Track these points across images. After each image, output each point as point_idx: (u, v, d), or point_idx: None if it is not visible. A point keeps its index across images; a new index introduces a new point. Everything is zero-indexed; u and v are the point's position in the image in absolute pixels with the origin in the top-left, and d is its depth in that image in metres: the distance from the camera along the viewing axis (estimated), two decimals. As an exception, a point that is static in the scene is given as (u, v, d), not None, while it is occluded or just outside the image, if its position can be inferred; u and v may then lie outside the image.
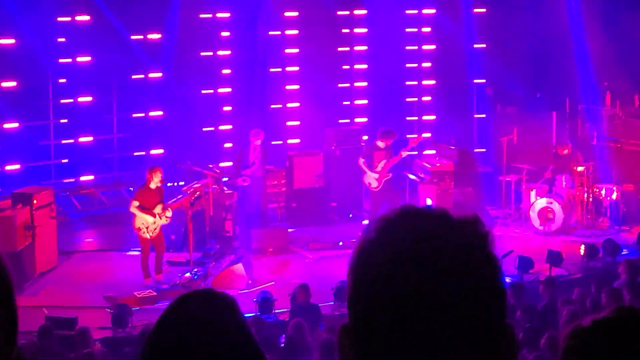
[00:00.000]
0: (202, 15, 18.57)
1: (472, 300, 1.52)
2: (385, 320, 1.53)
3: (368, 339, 1.55)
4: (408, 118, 20.31)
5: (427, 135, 18.37)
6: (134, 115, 18.55)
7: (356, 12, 19.90)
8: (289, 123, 19.46)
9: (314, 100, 19.18)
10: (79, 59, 17.69)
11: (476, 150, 19.32)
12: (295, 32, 19.23)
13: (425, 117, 20.46)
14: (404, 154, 16.20)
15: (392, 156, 16.14)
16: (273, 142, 18.26)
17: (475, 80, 20.43)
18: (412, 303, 1.51)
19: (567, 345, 2.21)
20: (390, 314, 1.52)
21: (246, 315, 8.65)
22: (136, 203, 13.78)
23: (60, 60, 17.64)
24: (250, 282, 14.10)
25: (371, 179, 16.18)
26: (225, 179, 16.71)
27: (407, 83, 20.43)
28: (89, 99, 17.94)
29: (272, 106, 19.29)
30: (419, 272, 1.51)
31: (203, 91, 18.76)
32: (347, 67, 19.86)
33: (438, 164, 17.41)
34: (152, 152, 18.43)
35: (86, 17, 17.59)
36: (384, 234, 1.58)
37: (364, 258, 1.58)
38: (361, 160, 16.32)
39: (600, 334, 2.18)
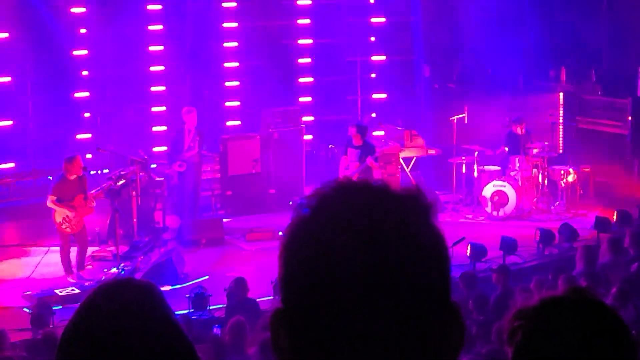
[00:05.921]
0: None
1: (416, 276, 1.46)
2: (322, 302, 1.46)
3: (304, 323, 1.49)
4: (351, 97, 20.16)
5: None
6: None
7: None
8: (228, 104, 18.97)
9: (254, 79, 18.88)
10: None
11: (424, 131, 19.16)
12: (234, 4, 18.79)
13: (375, 96, 20.19)
14: (371, 163, 15.79)
15: (363, 160, 15.78)
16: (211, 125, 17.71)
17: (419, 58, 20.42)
18: (351, 282, 1.44)
19: (514, 325, 2.23)
20: (328, 295, 1.45)
21: (178, 312, 9.76)
22: (53, 197, 13.83)
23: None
24: (182, 276, 14.22)
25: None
26: (153, 166, 16.75)
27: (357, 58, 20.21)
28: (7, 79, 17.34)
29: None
30: (358, 248, 1.45)
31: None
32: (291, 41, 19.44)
33: (385, 147, 17.32)
34: (78, 136, 17.88)
35: None
36: (318, 209, 1.51)
37: (297, 235, 1.52)
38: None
39: (546, 313, 2.22)
